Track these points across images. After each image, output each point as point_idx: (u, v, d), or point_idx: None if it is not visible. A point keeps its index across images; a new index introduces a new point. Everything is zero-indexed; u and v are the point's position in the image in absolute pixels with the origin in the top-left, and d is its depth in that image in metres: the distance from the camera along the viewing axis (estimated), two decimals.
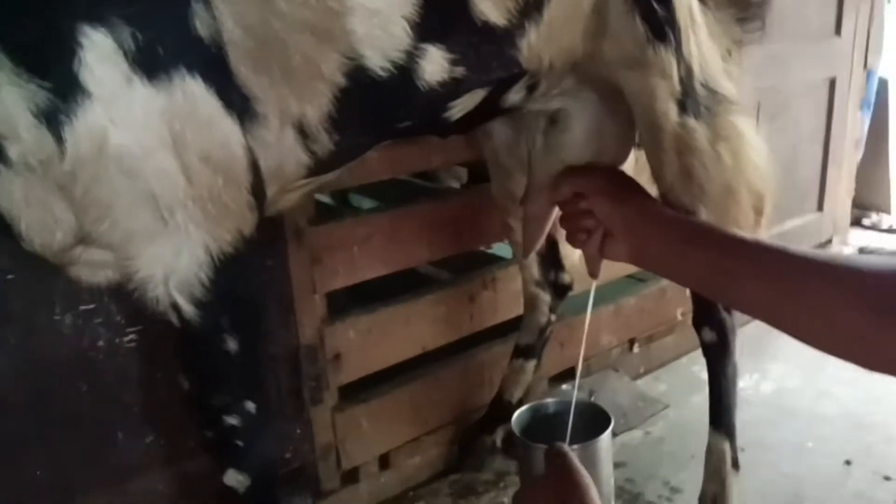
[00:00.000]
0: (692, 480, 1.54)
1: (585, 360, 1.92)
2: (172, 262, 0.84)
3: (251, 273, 0.94)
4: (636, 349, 2.04)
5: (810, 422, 1.78)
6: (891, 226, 3.01)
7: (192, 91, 0.80)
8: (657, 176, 1.13)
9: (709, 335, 1.35)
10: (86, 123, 0.74)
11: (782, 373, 2.01)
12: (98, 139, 0.75)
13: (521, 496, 0.83)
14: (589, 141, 1.16)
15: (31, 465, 1.15)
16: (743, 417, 1.81)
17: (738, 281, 0.77)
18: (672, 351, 2.11)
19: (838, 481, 1.56)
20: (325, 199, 2.60)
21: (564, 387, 1.88)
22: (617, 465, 1.64)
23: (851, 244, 2.82)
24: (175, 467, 1.28)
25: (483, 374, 1.69)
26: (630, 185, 0.92)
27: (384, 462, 1.57)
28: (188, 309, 0.87)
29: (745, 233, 0.82)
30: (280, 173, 0.92)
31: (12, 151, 0.74)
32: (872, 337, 0.65)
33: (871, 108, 2.87)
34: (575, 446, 0.96)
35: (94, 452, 1.20)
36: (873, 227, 3.01)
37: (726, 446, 1.38)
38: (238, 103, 0.84)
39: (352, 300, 1.57)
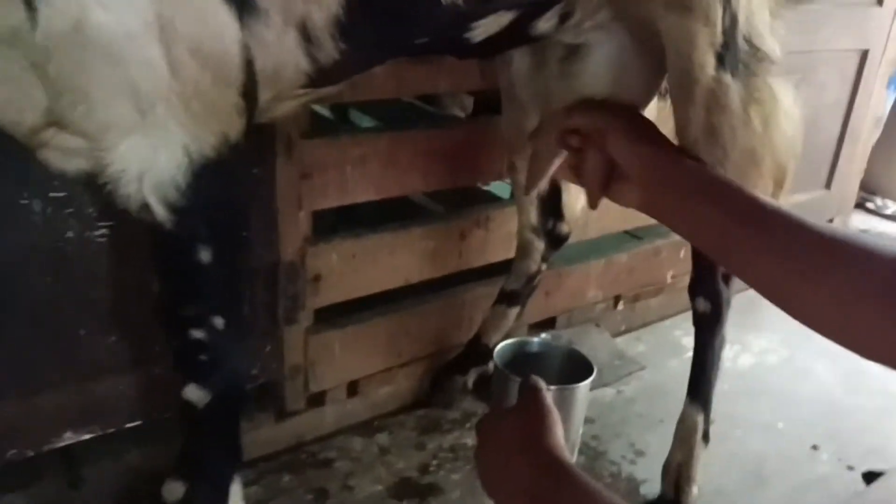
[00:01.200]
0: (657, 444, 1.53)
1: (569, 311, 1.90)
2: (148, 160, 0.78)
3: (234, 181, 0.88)
4: (621, 306, 2.00)
5: (784, 401, 1.76)
6: (894, 212, 2.96)
7: None
8: (681, 130, 1.07)
9: (703, 304, 1.31)
10: None
11: (764, 347, 1.99)
12: (75, 15, 0.68)
13: (486, 420, 0.81)
14: (609, 74, 1.08)
15: None
16: (718, 389, 1.78)
17: (747, 250, 0.72)
18: (656, 312, 2.08)
19: (802, 465, 1.56)
20: (323, 111, 2.50)
21: (544, 336, 1.85)
22: (585, 421, 1.61)
23: (852, 226, 2.78)
24: (140, 370, 1.24)
25: (464, 313, 1.65)
26: (651, 127, 0.85)
27: (353, 389, 1.54)
28: (161, 212, 0.81)
29: (766, 198, 0.75)
30: (276, 78, 0.85)
31: None
32: (881, 326, 0.62)
33: None
34: (552, 387, 0.93)
35: (57, 349, 1.16)
36: (876, 212, 2.96)
37: (700, 418, 1.36)
38: None
39: (340, 221, 1.51)
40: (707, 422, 1.37)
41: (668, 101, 1.11)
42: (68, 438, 1.20)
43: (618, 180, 0.84)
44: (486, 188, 1.95)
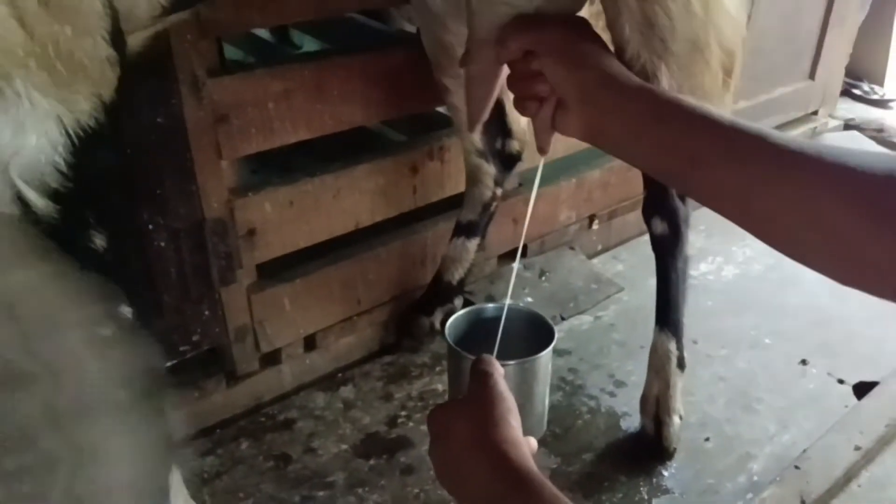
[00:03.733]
0: (638, 373, 1.45)
1: (540, 237, 1.79)
2: (14, 143, 0.64)
3: (116, 148, 0.74)
4: (596, 226, 1.88)
5: (771, 314, 1.68)
6: (882, 96, 2.81)
7: None
8: (612, 27, 0.95)
9: (659, 226, 1.20)
10: None
11: (748, 256, 1.89)
12: None
13: (437, 415, 0.73)
14: None
15: None
16: (701, 306, 1.72)
17: (706, 166, 0.64)
18: (634, 228, 1.95)
19: (792, 383, 1.48)
20: (264, 34, 2.29)
21: (514, 266, 1.74)
22: (562, 353, 1.55)
23: (838, 116, 2.63)
24: None
25: (425, 252, 1.53)
26: (590, 43, 0.74)
27: (311, 343, 1.44)
28: (40, 202, 0.66)
29: (720, 111, 0.67)
30: (131, 16, 0.70)
31: None
32: (863, 245, 0.56)
33: None
34: (511, 362, 0.85)
35: None
36: (862, 98, 2.81)
37: (672, 346, 1.27)
38: None
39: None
40: (681, 348, 1.28)
41: None
42: None
43: (558, 107, 0.73)
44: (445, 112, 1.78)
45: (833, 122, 2.59)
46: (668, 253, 1.22)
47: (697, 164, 0.64)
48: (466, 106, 0.92)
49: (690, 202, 1.22)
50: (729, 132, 0.63)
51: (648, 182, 1.19)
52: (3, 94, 0.61)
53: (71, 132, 0.66)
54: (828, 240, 0.58)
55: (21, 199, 0.66)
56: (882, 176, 0.55)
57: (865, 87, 2.83)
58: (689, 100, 0.68)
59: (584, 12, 1.08)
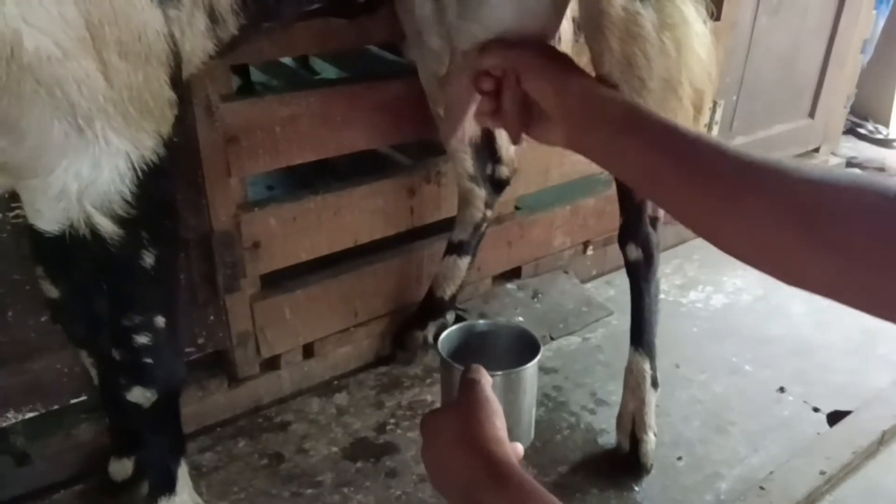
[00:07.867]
0: (619, 393, 1.50)
1: (534, 260, 1.87)
2: (90, 176, 0.75)
3: (170, 178, 0.84)
4: (590, 251, 1.96)
5: (753, 342, 1.74)
6: (886, 136, 2.86)
7: None
8: (596, 63, 1.04)
9: (634, 252, 1.29)
10: None
11: (738, 287, 1.95)
12: (9, 41, 0.63)
13: (430, 418, 0.80)
14: (511, 7, 1.02)
15: None
16: (687, 332, 1.79)
17: (669, 182, 0.69)
18: None
19: (767, 408, 1.54)
20: (288, 62, 2.42)
21: (509, 286, 1.82)
22: (548, 371, 1.63)
23: (841, 154, 2.69)
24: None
25: (421, 269, 1.62)
26: (567, 62, 0.80)
27: (309, 351, 1.53)
28: (108, 227, 0.78)
29: (684, 125, 0.72)
30: (188, 64, 0.81)
31: None
32: (796, 252, 0.59)
33: (891, 5, 2.63)
34: (498, 373, 0.92)
35: None
36: (867, 137, 2.86)
37: (647, 365, 1.34)
38: None
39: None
40: (654, 367, 1.35)
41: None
42: (10, 418, 1.20)
43: (539, 119, 0.80)
44: None
45: (835, 160, 2.65)
46: (643, 278, 1.30)
47: (660, 179, 0.70)
48: (443, 123, 1.01)
49: (661, 230, 1.30)
50: (693, 146, 0.67)
51: (624, 210, 1.27)
52: (85, 135, 0.72)
53: (136, 166, 0.77)
54: (769, 250, 0.62)
55: (91, 224, 0.77)
56: (818, 183, 0.59)
57: (870, 126, 2.89)
58: (658, 114, 0.73)
59: (569, 50, 1.18)
